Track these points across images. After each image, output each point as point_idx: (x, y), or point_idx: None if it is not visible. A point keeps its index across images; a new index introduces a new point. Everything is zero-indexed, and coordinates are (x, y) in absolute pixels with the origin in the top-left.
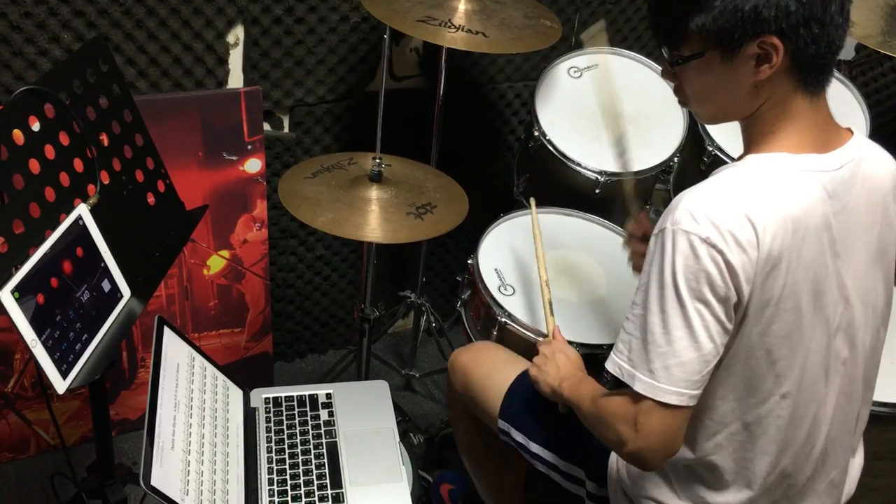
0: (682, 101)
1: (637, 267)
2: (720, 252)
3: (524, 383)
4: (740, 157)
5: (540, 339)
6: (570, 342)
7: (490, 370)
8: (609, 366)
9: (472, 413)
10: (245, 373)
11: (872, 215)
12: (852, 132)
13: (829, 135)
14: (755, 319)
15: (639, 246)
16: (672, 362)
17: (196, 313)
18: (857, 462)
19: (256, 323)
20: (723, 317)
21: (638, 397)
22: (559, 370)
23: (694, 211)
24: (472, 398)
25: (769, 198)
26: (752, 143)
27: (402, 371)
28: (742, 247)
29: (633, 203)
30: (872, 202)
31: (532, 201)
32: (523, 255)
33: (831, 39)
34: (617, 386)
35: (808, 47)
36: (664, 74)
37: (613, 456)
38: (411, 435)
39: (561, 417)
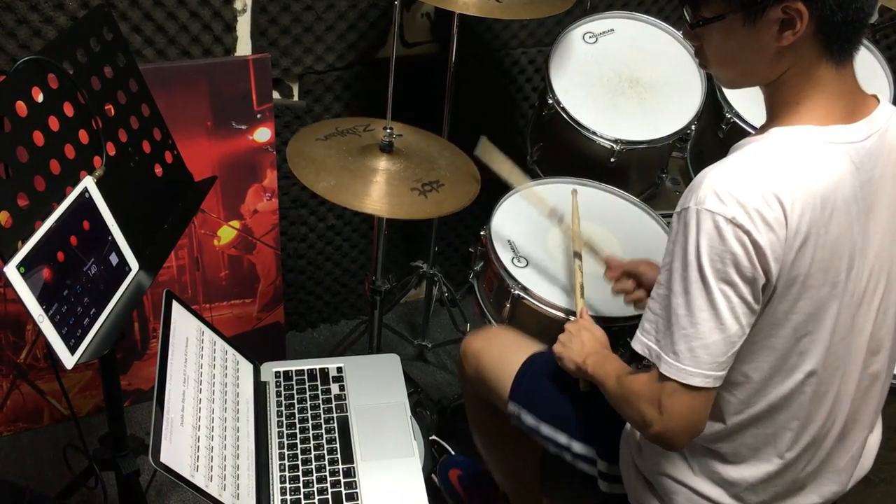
0: (703, 64)
1: (637, 302)
2: (747, 233)
3: (534, 366)
4: (763, 129)
5: (553, 311)
6: None
7: (501, 354)
8: (636, 345)
9: (486, 398)
10: (257, 343)
11: None
12: (878, 99)
13: (855, 104)
14: (782, 297)
15: (627, 285)
16: (696, 344)
17: (207, 284)
18: (874, 438)
19: (268, 293)
20: (749, 298)
21: (663, 378)
22: (584, 346)
23: (719, 190)
24: (484, 382)
25: (796, 173)
26: (776, 113)
27: (415, 341)
28: (770, 226)
29: (597, 256)
30: None
31: (574, 195)
32: (537, 227)
33: (859, 6)
34: (635, 360)
35: (835, 14)
36: (686, 35)
37: (624, 434)
38: (423, 406)
39: (570, 398)
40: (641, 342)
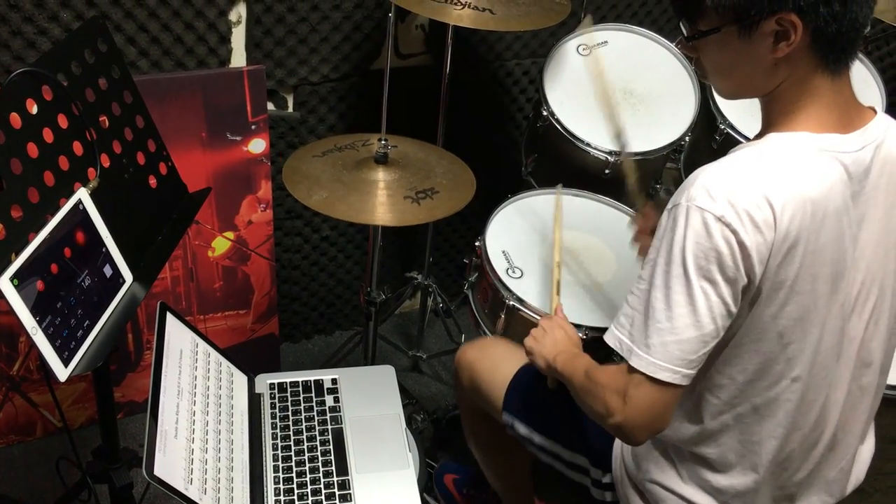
0: (701, 76)
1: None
2: (734, 232)
3: (526, 376)
4: (759, 136)
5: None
6: (578, 325)
7: (494, 364)
8: (608, 339)
9: (480, 408)
10: (251, 354)
11: (893, 197)
12: (875, 111)
13: (850, 115)
14: (768, 301)
15: (648, 241)
16: (670, 339)
17: (201, 295)
18: (866, 449)
19: (262, 304)
20: (728, 298)
21: (631, 370)
22: (556, 344)
23: (711, 188)
24: (478, 393)
25: (788, 178)
26: (771, 121)
27: (410, 352)
28: (758, 227)
29: (637, 195)
30: (893, 184)
31: (559, 190)
32: (532, 237)
33: (854, 17)
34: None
35: (829, 25)
36: (683, 48)
37: (618, 441)
38: (418, 417)
39: (562, 407)
40: (614, 335)
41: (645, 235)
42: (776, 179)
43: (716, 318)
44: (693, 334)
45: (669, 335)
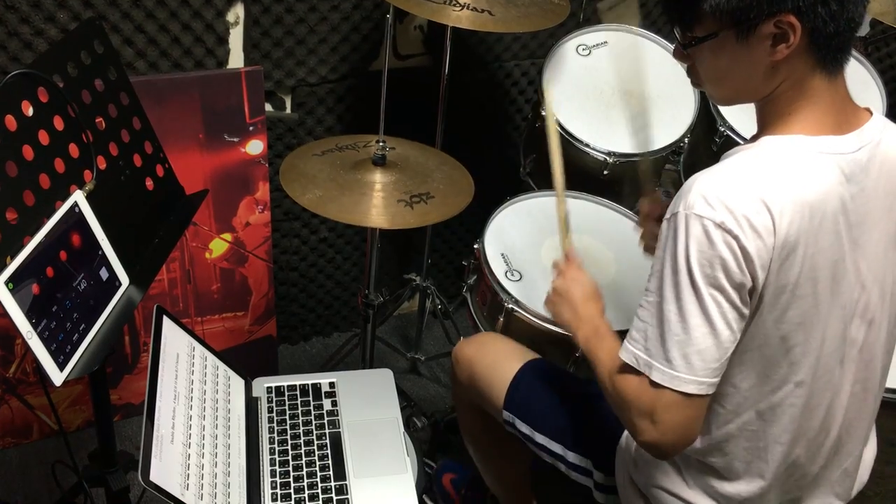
0: (696, 83)
1: (649, 249)
2: (735, 238)
3: (529, 375)
4: (754, 138)
5: (547, 325)
6: None
7: (494, 361)
8: (623, 355)
9: (478, 404)
10: (249, 356)
11: (891, 199)
12: (871, 113)
13: (846, 115)
14: (771, 306)
15: (654, 227)
16: (690, 350)
17: (199, 297)
18: (870, 451)
19: (260, 306)
20: (738, 302)
21: (655, 386)
22: (576, 310)
23: (708, 195)
24: (477, 390)
25: (785, 181)
26: (767, 124)
27: (408, 354)
28: (758, 232)
29: (647, 183)
30: (891, 185)
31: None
32: (530, 240)
33: (850, 16)
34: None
35: (827, 25)
36: (676, 55)
37: (621, 445)
38: (416, 420)
39: (566, 408)
40: (629, 351)
41: (651, 221)
42: (772, 183)
43: (730, 322)
44: (711, 342)
45: (689, 346)
